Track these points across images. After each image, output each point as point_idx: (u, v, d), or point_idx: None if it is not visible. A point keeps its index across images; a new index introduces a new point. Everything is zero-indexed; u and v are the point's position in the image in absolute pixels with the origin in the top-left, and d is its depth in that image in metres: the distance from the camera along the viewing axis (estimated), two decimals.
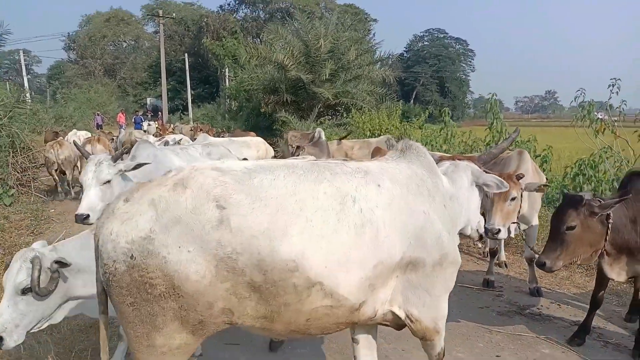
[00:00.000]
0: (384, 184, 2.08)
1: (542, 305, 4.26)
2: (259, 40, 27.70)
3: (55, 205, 9.48)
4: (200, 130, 14.25)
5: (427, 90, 63.07)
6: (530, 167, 4.31)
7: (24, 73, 35.02)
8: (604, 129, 7.43)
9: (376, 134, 12.48)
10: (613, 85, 7.94)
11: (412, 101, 53.68)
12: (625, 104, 7.97)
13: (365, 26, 47.17)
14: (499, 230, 3.52)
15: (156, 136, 13.13)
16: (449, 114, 9.18)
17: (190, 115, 32.99)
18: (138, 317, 1.77)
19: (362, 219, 1.94)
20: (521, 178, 3.77)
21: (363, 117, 13.01)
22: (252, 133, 14.49)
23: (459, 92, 64.79)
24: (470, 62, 68.06)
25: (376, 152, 6.29)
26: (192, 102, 36.76)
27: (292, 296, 1.83)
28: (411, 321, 2.18)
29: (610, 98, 7.96)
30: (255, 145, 8.08)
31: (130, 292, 1.75)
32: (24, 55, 66.68)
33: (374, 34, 43.11)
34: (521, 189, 3.72)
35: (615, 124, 7.43)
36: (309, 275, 1.82)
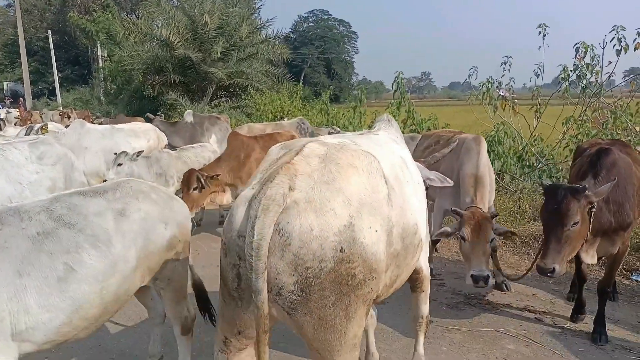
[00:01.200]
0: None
1: (486, 292, 4.04)
2: (135, 16, 25.03)
3: None
4: (67, 116, 12.29)
5: (315, 72, 63.44)
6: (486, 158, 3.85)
7: None
8: (505, 105, 7.68)
9: (278, 117, 11.83)
10: (505, 63, 8.27)
11: (301, 83, 53.51)
12: (513, 82, 8.33)
13: (250, 4, 45.55)
14: (488, 277, 3.13)
15: (18, 125, 11.00)
16: (329, 93, 8.98)
17: (59, 100, 29.09)
18: (337, 315, 1.66)
19: (415, 183, 2.22)
20: (496, 216, 3.49)
21: (263, 98, 12.21)
22: (140, 119, 12.92)
23: (344, 73, 66.14)
24: (354, 44, 69.76)
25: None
26: (60, 86, 32.45)
27: (411, 255, 2.07)
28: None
29: (503, 75, 8.27)
30: (144, 133, 6.90)
31: (334, 290, 1.63)
32: None
33: (259, 13, 41.75)
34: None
35: (516, 101, 7.69)
36: (420, 234, 2.11)
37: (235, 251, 1.64)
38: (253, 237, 1.50)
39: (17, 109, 24.20)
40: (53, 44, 33.53)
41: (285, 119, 10.69)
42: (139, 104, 17.83)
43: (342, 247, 1.59)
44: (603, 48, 7.01)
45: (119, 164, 5.36)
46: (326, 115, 9.80)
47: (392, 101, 8.59)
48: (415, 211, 2.05)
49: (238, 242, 1.62)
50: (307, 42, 62.54)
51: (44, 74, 38.75)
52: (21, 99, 30.32)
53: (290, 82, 17.93)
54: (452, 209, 3.36)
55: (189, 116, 8.81)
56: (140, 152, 5.54)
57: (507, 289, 4.10)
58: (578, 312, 3.46)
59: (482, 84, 8.02)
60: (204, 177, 5.01)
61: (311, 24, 66.46)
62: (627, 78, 8.09)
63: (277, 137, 5.99)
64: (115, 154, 5.45)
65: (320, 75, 61.42)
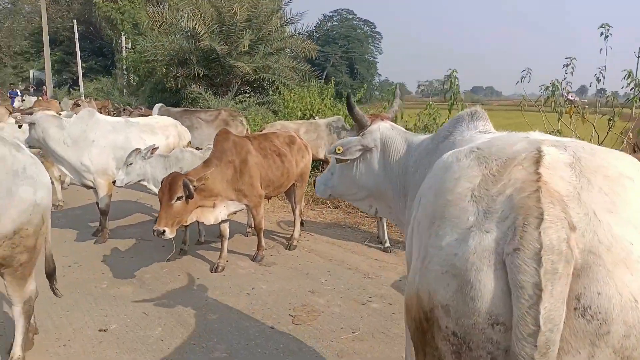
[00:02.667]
0: None
1: None
2: (161, 7, 24.60)
3: None
4: (77, 104, 11.67)
5: (337, 71, 62.93)
6: None
7: None
8: (573, 112, 6.76)
9: (308, 115, 11.01)
10: (567, 65, 7.33)
11: (322, 82, 52.90)
12: (570, 86, 7.39)
13: (277, 1, 45.15)
14: None
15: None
16: (363, 92, 8.05)
17: (82, 90, 28.87)
18: None
19: None
20: None
21: (292, 95, 11.40)
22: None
23: (367, 73, 65.62)
24: (378, 44, 69.09)
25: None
26: (83, 76, 32.27)
27: None
28: None
29: (564, 79, 7.33)
30: (162, 129, 6.07)
31: None
32: None
33: (288, 9, 41.17)
34: None
35: (587, 107, 6.74)
36: None
37: (485, 348, 1.01)
38: (537, 327, 0.91)
39: (42, 97, 24.16)
40: (78, 34, 33.43)
41: (317, 117, 9.89)
42: (161, 96, 17.21)
43: None
44: None
45: (130, 164, 4.62)
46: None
47: (429, 103, 7.82)
48: None
49: (492, 333, 1.00)
50: (330, 41, 61.87)
51: (69, 63, 38.77)
52: (45, 87, 30.28)
53: (317, 79, 17.17)
54: None
55: (156, 110, 8.38)
56: (154, 149, 4.78)
57: None
58: None
59: (543, 87, 7.11)
60: (193, 184, 3.89)
61: (335, 23, 65.97)
62: None
63: (273, 137, 5.15)
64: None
65: (342, 74, 60.75)
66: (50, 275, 3.05)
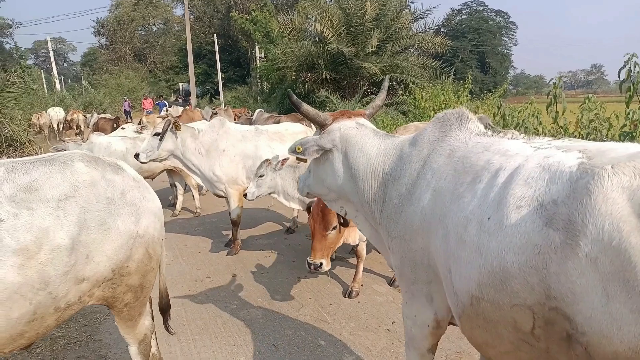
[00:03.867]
0: None
1: None
2: (290, 14, 25.49)
3: None
4: (214, 113, 12.25)
5: (467, 67, 59.52)
6: None
7: (52, 59, 34.01)
8: None
9: None
10: None
11: (451, 78, 50.45)
12: None
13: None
14: None
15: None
16: (505, 87, 6.71)
17: (222, 99, 31.29)
18: None
19: None
20: None
21: (424, 94, 10.57)
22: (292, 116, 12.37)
23: (500, 67, 61.12)
24: (512, 35, 63.73)
25: None
26: (223, 86, 35.02)
27: None
28: None
29: None
30: (292, 136, 5.78)
31: None
32: (60, 44, 67.11)
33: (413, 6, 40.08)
34: None
35: None
36: None
37: None
38: None
39: (188, 107, 26.75)
40: (218, 48, 36.33)
41: None
42: (290, 102, 17.65)
43: None
44: None
45: (260, 176, 4.36)
46: (501, 115, 7.79)
47: (587, 97, 6.38)
48: None
49: None
50: (459, 36, 58.66)
51: (211, 75, 42.44)
52: (191, 97, 33.51)
53: (450, 75, 16.00)
54: None
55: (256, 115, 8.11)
56: (284, 160, 4.46)
57: None
58: None
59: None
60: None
61: (464, 17, 62.42)
62: None
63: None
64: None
65: (472, 69, 57.21)
66: (164, 311, 2.69)
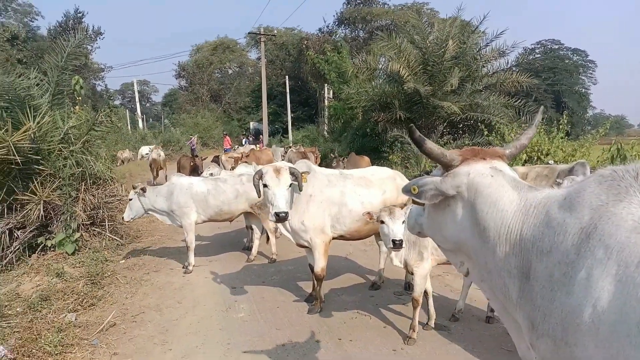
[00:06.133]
0: None
1: None
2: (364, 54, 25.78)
3: (129, 252, 7.64)
4: (252, 151, 12.09)
5: (541, 106, 56.83)
6: None
7: (137, 99, 36.56)
8: None
9: (535, 158, 9.22)
10: None
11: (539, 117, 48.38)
12: None
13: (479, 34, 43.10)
14: None
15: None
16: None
17: (290, 138, 31.82)
18: None
19: None
20: None
21: (513, 135, 9.75)
22: (366, 158, 11.95)
23: (578, 107, 57.94)
24: (591, 74, 60.51)
25: None
26: (292, 125, 35.77)
27: None
28: None
29: None
30: (379, 182, 5.24)
31: None
32: (144, 86, 72.80)
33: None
34: None
35: None
36: None
37: None
38: None
39: (258, 145, 27.46)
40: (289, 88, 37.42)
41: (551, 160, 8.08)
42: (361, 141, 17.33)
43: None
44: None
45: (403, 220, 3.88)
46: (621, 157, 6.84)
47: None
48: None
49: None
50: (532, 75, 56.58)
51: (280, 114, 43.68)
52: (261, 136, 34.44)
53: (532, 114, 14.98)
54: None
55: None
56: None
57: None
58: None
59: None
60: None
61: (538, 55, 60.36)
62: None
63: None
64: None
65: (547, 109, 54.62)
66: None
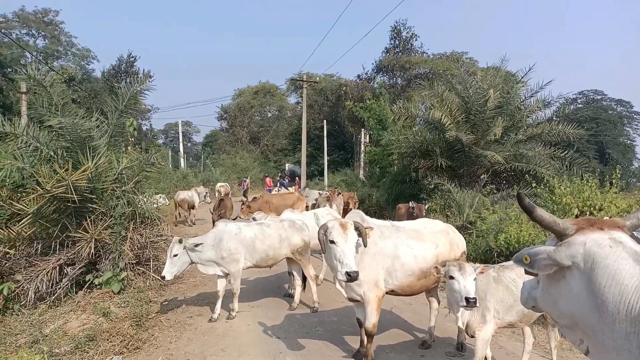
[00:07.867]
0: None
1: None
2: (404, 101, 26.10)
3: (172, 293, 7.66)
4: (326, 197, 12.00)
5: (583, 157, 55.09)
6: None
7: (180, 139, 37.87)
8: None
9: (587, 214, 8.81)
10: None
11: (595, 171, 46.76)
12: None
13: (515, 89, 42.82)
14: None
15: None
16: None
17: (326, 182, 31.98)
18: None
19: None
20: None
21: (564, 188, 9.39)
22: (405, 205, 11.81)
23: (623, 159, 55.84)
24: (637, 125, 58.81)
25: None
26: (327, 168, 36.07)
27: None
28: None
29: None
30: (431, 235, 5.08)
31: None
32: (187, 127, 75.74)
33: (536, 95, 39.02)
34: None
35: None
36: None
37: None
38: None
39: (294, 187, 27.70)
40: (326, 132, 38.02)
41: (606, 217, 7.71)
42: (400, 187, 17.16)
43: None
44: None
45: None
46: None
47: None
48: None
49: None
50: (576, 125, 55.29)
51: (316, 157, 44.21)
52: (297, 178, 34.80)
53: (581, 166, 14.51)
54: None
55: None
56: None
57: None
58: None
59: None
60: None
61: (579, 106, 59.27)
62: None
63: None
64: None
65: (590, 160, 52.95)
66: None
